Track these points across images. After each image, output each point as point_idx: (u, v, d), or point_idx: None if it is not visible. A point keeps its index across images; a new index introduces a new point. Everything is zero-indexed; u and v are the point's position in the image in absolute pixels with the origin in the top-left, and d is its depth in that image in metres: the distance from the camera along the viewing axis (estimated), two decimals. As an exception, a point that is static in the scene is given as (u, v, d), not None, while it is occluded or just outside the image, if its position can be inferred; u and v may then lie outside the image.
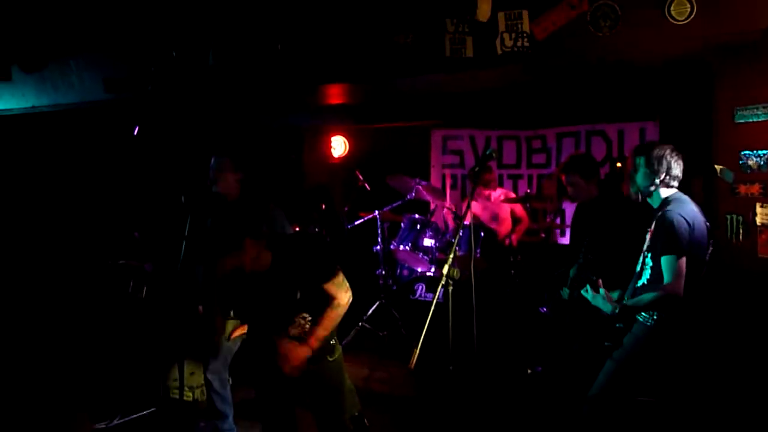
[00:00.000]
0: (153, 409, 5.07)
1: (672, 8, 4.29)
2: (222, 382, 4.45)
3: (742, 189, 4.62)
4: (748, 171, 4.60)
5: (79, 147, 7.02)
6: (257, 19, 5.33)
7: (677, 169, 3.63)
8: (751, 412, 4.35)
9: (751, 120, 4.56)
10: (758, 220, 4.58)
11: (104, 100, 6.01)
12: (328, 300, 3.37)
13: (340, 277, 3.42)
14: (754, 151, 4.57)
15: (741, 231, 4.63)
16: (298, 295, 3.35)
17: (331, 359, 3.51)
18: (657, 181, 3.61)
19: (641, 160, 3.66)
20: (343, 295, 3.39)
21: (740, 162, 4.62)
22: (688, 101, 6.04)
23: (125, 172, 6.92)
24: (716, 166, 4.66)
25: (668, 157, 3.60)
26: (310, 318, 3.40)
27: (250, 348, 3.63)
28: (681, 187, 3.73)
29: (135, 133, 6.06)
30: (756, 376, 4.46)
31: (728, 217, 4.67)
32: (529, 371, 5.48)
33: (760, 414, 4.29)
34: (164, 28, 5.55)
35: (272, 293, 3.33)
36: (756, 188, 4.58)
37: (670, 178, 3.62)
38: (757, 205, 4.58)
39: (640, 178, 3.67)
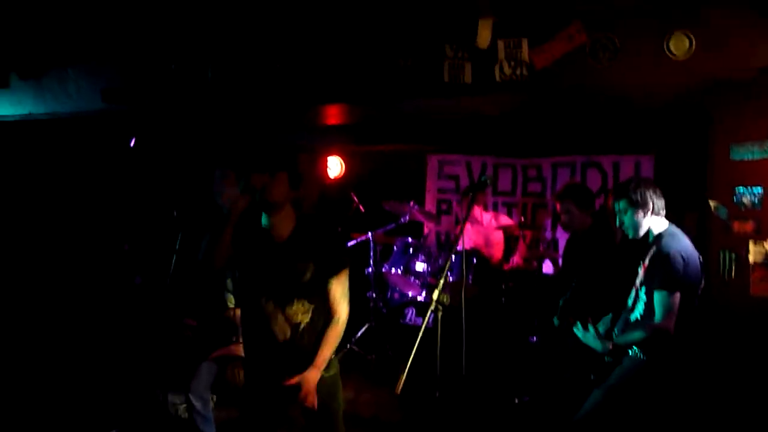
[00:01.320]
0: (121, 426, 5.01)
1: (671, 43, 4.31)
2: (204, 403, 4.41)
3: (736, 226, 4.61)
4: (742, 208, 4.60)
5: (74, 156, 7.00)
6: (257, 36, 5.34)
7: (659, 198, 3.64)
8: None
9: (746, 157, 4.56)
10: (751, 258, 4.56)
11: (101, 110, 6.00)
12: (326, 304, 3.31)
13: (346, 281, 3.35)
14: (749, 188, 4.57)
15: (734, 268, 4.61)
16: (308, 276, 3.26)
17: (326, 374, 3.39)
18: (647, 213, 3.61)
19: (623, 204, 3.66)
20: (343, 309, 3.33)
21: (734, 199, 4.62)
22: (684, 136, 6.06)
23: (119, 183, 6.90)
24: (711, 202, 4.66)
25: (645, 189, 3.62)
26: (308, 307, 3.31)
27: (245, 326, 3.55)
28: (675, 222, 3.73)
29: (131, 145, 6.05)
30: (744, 416, 4.43)
31: (721, 253, 4.66)
32: (516, 401, 5.44)
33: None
34: (164, 41, 5.55)
35: (284, 265, 3.26)
36: (750, 225, 4.57)
37: (657, 207, 3.62)
38: (750, 243, 4.57)
39: (629, 219, 3.67)
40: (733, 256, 4.62)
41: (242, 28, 5.28)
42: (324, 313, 3.33)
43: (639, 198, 3.60)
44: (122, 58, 5.79)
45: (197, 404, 4.39)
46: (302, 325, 3.31)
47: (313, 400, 3.24)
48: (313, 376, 3.24)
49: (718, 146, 4.71)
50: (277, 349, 3.32)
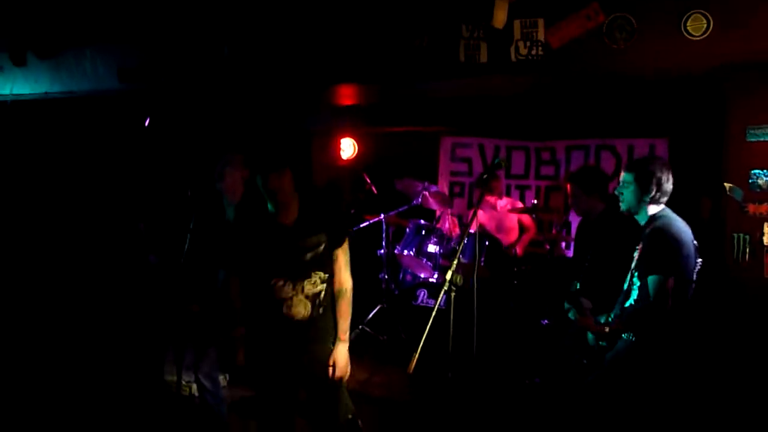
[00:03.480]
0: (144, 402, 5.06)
1: (689, 23, 4.28)
2: (214, 382, 4.45)
3: (751, 208, 4.60)
4: (758, 190, 4.59)
5: (89, 135, 7.04)
6: (272, 16, 5.34)
7: (668, 184, 3.54)
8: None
9: (762, 139, 4.55)
10: (765, 240, 4.56)
11: (117, 89, 6.03)
12: (335, 271, 3.51)
13: (347, 250, 3.55)
14: (765, 171, 4.56)
15: (747, 251, 4.61)
16: (321, 249, 3.44)
17: (324, 344, 3.53)
18: (647, 198, 3.53)
19: (630, 177, 3.57)
20: (348, 278, 3.55)
21: (750, 181, 4.61)
22: (700, 119, 6.02)
23: (134, 162, 6.94)
24: (725, 184, 4.65)
25: (659, 173, 3.51)
26: (325, 276, 3.48)
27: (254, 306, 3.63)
28: (690, 205, 3.69)
29: (146, 124, 6.07)
30: (758, 395, 4.44)
31: (735, 236, 4.65)
32: (527, 382, 5.46)
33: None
34: (180, 20, 5.56)
35: (296, 245, 3.42)
36: (765, 208, 4.57)
37: (660, 195, 3.53)
38: (765, 225, 4.57)
39: (629, 194, 3.59)
40: (747, 238, 4.61)
41: (258, 8, 5.28)
42: (332, 283, 3.54)
43: (646, 179, 3.52)
44: (138, 37, 5.81)
45: (207, 384, 4.43)
46: (320, 297, 3.48)
47: (343, 372, 3.49)
48: (343, 351, 3.49)
49: (735, 128, 4.69)
50: (293, 329, 3.45)
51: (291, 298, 3.42)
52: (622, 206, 3.67)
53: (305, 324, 3.45)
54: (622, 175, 3.65)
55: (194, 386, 5.27)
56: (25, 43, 6.18)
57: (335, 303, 3.54)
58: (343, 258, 3.52)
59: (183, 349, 4.71)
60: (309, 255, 3.44)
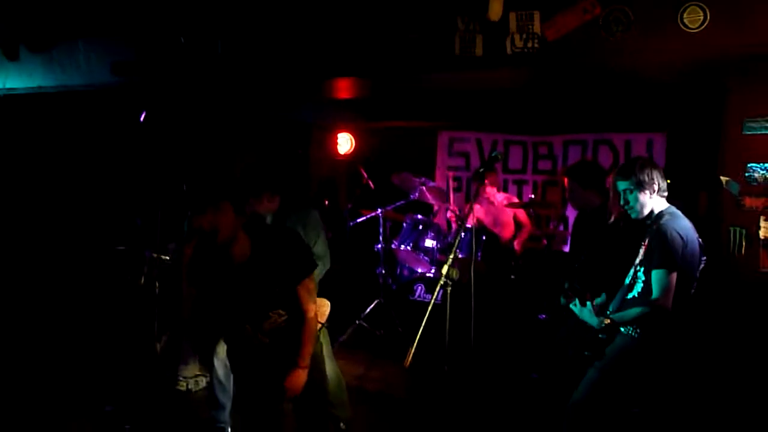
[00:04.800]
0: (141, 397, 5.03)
1: (685, 15, 4.25)
2: (227, 372, 4.32)
3: (747, 201, 4.59)
4: (754, 184, 4.58)
5: (83, 129, 7.01)
6: (267, 9, 5.32)
7: (662, 178, 3.55)
8: (749, 422, 4.32)
9: (759, 132, 4.53)
10: (761, 233, 4.55)
11: (111, 83, 6.00)
12: (299, 306, 3.34)
13: (312, 283, 3.38)
14: (761, 164, 4.55)
15: (743, 244, 4.60)
16: (276, 289, 3.29)
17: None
18: (652, 196, 3.54)
19: (628, 183, 3.55)
20: (311, 307, 3.35)
21: (747, 174, 4.60)
22: (697, 113, 6.01)
23: (129, 157, 6.91)
24: (722, 178, 4.63)
25: (650, 169, 3.53)
26: (284, 313, 3.35)
27: (226, 342, 3.57)
28: (688, 200, 3.68)
29: (141, 119, 6.04)
30: (754, 387, 4.43)
31: (731, 229, 4.64)
32: (524, 377, 5.45)
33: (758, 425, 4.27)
34: (174, 14, 5.53)
35: (251, 285, 3.25)
36: (761, 201, 4.56)
37: (660, 189, 3.54)
38: (761, 219, 4.56)
39: (634, 199, 3.56)
40: (743, 232, 4.60)
41: (251, 2, 5.26)
42: (299, 312, 3.37)
43: (646, 178, 3.51)
44: (132, 30, 5.77)
45: (220, 371, 4.35)
46: (281, 329, 3.36)
47: (297, 391, 3.35)
48: (299, 376, 3.34)
49: (731, 121, 4.68)
50: (259, 352, 3.38)
51: (254, 334, 3.34)
52: (633, 214, 3.62)
53: (268, 347, 3.38)
54: (617, 185, 3.60)
55: (191, 381, 5.28)
56: (18, 36, 6.15)
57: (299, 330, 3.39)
58: (303, 292, 3.32)
59: (182, 339, 4.66)
60: (262, 296, 3.29)
